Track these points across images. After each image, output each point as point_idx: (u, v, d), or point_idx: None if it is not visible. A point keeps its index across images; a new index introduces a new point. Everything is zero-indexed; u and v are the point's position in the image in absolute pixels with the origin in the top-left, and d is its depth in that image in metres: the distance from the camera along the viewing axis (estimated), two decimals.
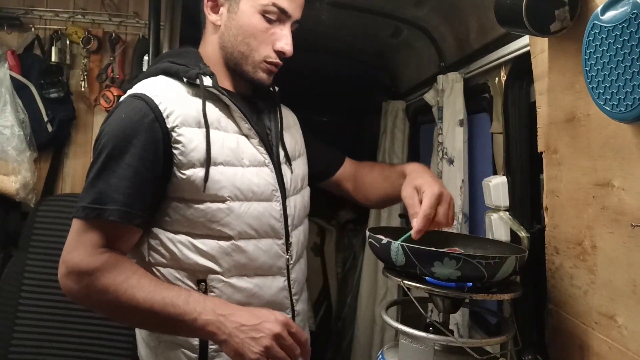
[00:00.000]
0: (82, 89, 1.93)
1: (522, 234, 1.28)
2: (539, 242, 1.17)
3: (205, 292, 1.03)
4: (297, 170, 1.21)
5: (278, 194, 1.10)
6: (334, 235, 3.34)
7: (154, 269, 1.04)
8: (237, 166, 1.05)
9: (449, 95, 1.75)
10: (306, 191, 1.26)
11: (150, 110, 0.98)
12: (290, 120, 1.29)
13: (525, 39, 1.22)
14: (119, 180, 0.96)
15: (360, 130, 4.01)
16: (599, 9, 0.77)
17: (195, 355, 1.04)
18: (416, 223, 1.01)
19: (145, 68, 1.87)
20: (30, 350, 1.70)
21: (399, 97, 2.60)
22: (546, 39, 1.01)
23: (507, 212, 1.37)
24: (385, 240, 0.96)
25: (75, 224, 0.98)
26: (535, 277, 1.22)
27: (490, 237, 1.38)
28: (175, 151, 1.00)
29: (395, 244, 0.94)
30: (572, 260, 0.99)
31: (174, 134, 0.99)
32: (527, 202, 1.36)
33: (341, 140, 2.59)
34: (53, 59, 1.88)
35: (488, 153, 1.56)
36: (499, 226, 1.36)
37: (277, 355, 0.92)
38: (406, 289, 0.95)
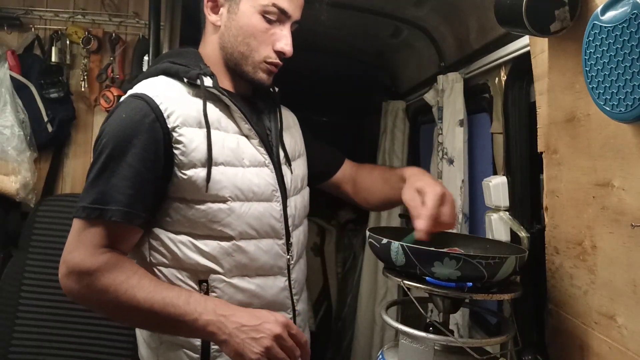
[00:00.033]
0: (82, 89, 1.93)
1: (522, 234, 1.28)
2: (539, 242, 1.17)
3: (207, 292, 1.03)
4: (297, 171, 1.21)
5: (278, 194, 1.11)
6: (334, 235, 3.34)
7: (155, 269, 1.04)
8: (238, 166, 1.05)
9: (449, 95, 1.75)
10: (306, 191, 1.26)
11: (151, 110, 0.98)
12: (290, 120, 1.29)
13: (525, 39, 1.22)
14: (120, 180, 0.96)
15: (360, 130, 4.01)
16: (599, 9, 0.77)
17: (197, 356, 1.04)
18: (421, 223, 1.01)
19: (145, 68, 1.87)
20: (30, 350, 1.70)
21: (399, 97, 2.60)
22: (546, 39, 1.01)
23: (507, 212, 1.37)
24: (385, 240, 0.96)
25: (76, 224, 0.98)
26: (535, 277, 1.22)
27: (490, 237, 1.38)
28: (176, 151, 1.00)
29: (396, 244, 0.94)
30: (572, 260, 0.99)
31: (174, 134, 0.99)
32: (527, 202, 1.36)
33: (341, 140, 2.58)
34: (53, 59, 1.88)
35: (488, 153, 1.56)
36: (499, 226, 1.36)
37: (277, 356, 0.92)
38: (406, 289, 0.95)
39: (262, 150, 1.10)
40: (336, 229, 3.37)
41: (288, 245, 1.12)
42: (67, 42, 1.92)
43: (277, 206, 1.10)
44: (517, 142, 1.38)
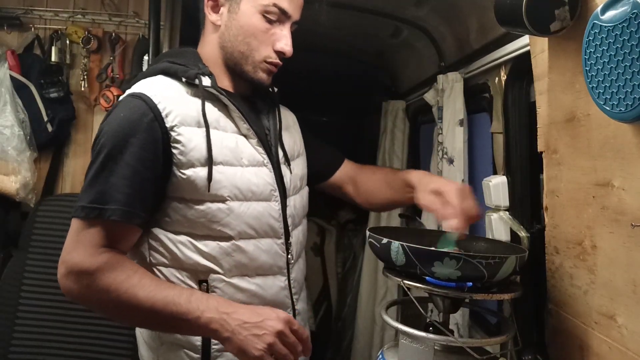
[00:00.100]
0: (82, 89, 1.93)
1: (522, 234, 1.28)
2: (539, 242, 1.17)
3: (207, 292, 1.03)
4: (296, 170, 1.21)
5: (277, 193, 1.11)
6: (334, 235, 3.34)
7: (155, 270, 1.04)
8: (237, 166, 1.05)
9: (449, 95, 1.75)
10: (305, 191, 1.26)
11: (149, 110, 0.99)
12: (289, 120, 1.29)
13: (525, 39, 1.22)
14: (119, 179, 0.96)
15: (360, 130, 4.01)
16: (599, 9, 0.77)
17: (198, 356, 1.04)
18: (456, 223, 1.02)
19: (145, 68, 1.87)
20: (30, 350, 1.70)
21: (399, 97, 2.59)
22: (546, 39, 1.01)
23: (507, 212, 1.37)
24: (385, 240, 0.96)
25: (75, 224, 0.98)
26: (535, 277, 1.22)
27: (490, 237, 1.38)
28: (174, 151, 1.00)
29: (396, 244, 0.94)
30: (572, 260, 0.99)
31: (173, 134, 0.99)
32: (527, 202, 1.36)
33: (341, 140, 2.58)
34: (53, 58, 1.88)
35: (488, 153, 1.56)
36: (499, 226, 1.36)
37: (279, 352, 0.93)
38: (406, 289, 0.95)
39: (261, 149, 1.10)
40: (336, 229, 3.37)
41: (287, 244, 1.12)
42: (67, 41, 1.92)
43: (275, 206, 1.10)
44: (517, 142, 1.38)
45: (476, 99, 1.69)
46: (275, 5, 1.06)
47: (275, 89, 1.22)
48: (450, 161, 1.73)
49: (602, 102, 0.77)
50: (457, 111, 1.71)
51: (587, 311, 0.94)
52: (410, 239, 1.05)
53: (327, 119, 4.05)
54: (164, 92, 1.02)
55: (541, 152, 1.10)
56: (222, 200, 1.02)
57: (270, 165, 1.11)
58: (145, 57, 1.88)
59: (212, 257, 1.03)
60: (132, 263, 1.00)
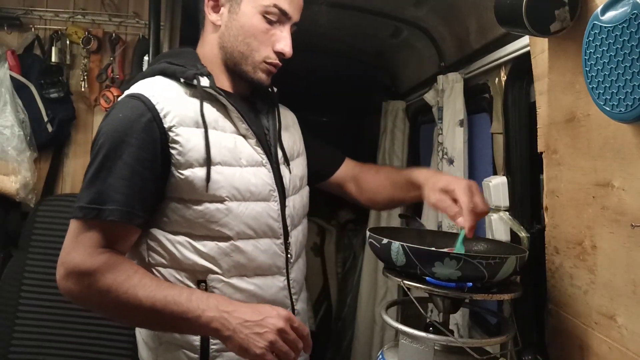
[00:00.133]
0: (82, 89, 1.93)
1: (522, 234, 1.28)
2: (539, 242, 1.17)
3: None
4: (296, 170, 1.21)
5: (276, 194, 1.11)
6: (334, 235, 3.34)
7: (154, 270, 1.04)
8: (235, 166, 1.05)
9: (449, 96, 1.75)
10: (305, 191, 1.26)
11: (148, 110, 0.99)
12: (289, 120, 1.29)
13: (525, 39, 1.22)
14: (117, 179, 0.96)
15: (360, 130, 4.01)
16: (599, 9, 0.77)
17: (197, 356, 1.04)
18: (466, 221, 1.02)
19: (145, 68, 1.87)
20: (30, 350, 1.70)
21: (399, 97, 2.60)
22: (546, 39, 1.01)
23: (507, 212, 1.37)
24: (385, 240, 0.96)
25: (73, 225, 0.98)
26: (535, 277, 1.22)
27: (491, 237, 1.38)
28: (172, 151, 1.00)
29: (396, 244, 0.94)
30: (572, 260, 0.99)
31: (171, 134, 0.99)
32: (527, 202, 1.36)
33: (341, 141, 2.58)
34: (53, 59, 1.88)
35: (488, 153, 1.57)
36: (499, 226, 1.37)
37: (281, 349, 0.93)
38: (406, 289, 0.95)
39: (260, 150, 1.10)
40: (336, 229, 3.37)
41: (286, 244, 1.12)
42: (67, 42, 1.92)
43: (274, 206, 1.10)
44: (517, 142, 1.38)
45: (476, 100, 1.69)
46: (275, 6, 1.06)
47: (275, 89, 1.22)
48: (450, 161, 1.73)
49: (602, 103, 0.77)
50: (457, 111, 1.71)
51: (587, 311, 0.94)
52: (411, 239, 1.05)
53: (327, 119, 4.05)
54: (163, 93, 1.02)
55: (541, 153, 1.10)
56: (221, 200, 1.02)
57: (269, 166, 1.11)
58: (146, 58, 1.88)
59: (211, 257, 1.03)
60: (131, 263, 1.00)
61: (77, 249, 0.96)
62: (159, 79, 1.07)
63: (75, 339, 1.71)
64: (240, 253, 1.05)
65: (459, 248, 1.03)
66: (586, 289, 0.94)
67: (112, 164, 0.96)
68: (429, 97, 1.91)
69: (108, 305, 0.97)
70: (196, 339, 1.04)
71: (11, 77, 1.83)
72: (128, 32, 1.96)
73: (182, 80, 1.06)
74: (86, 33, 1.91)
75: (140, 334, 1.14)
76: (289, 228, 1.13)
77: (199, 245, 1.03)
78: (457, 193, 1.04)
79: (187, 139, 1.00)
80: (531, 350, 1.17)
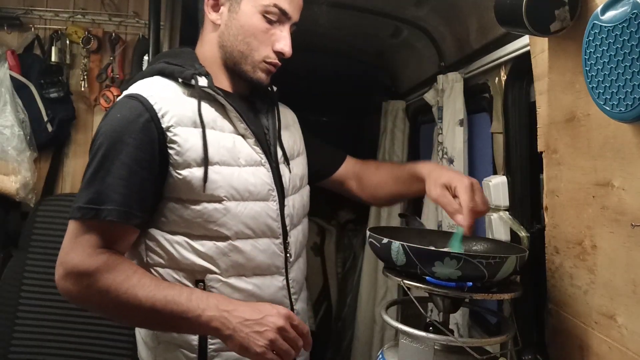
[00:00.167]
0: (82, 89, 1.93)
1: (522, 233, 1.28)
2: (539, 242, 1.17)
3: None
4: (296, 170, 1.21)
5: (275, 193, 1.11)
6: (334, 235, 3.34)
7: (152, 270, 1.04)
8: (234, 166, 1.05)
9: (449, 95, 1.75)
10: (305, 190, 1.26)
11: (146, 110, 0.99)
12: (289, 119, 1.29)
13: (525, 39, 1.22)
14: (115, 179, 0.96)
15: (360, 130, 4.01)
16: (599, 9, 0.77)
17: (195, 355, 1.04)
18: (465, 220, 1.02)
19: (145, 68, 1.87)
20: (30, 350, 1.70)
21: (399, 97, 2.60)
22: (546, 39, 1.01)
23: (507, 212, 1.37)
24: (385, 239, 0.96)
25: (72, 225, 0.98)
26: (535, 277, 1.22)
27: (490, 237, 1.38)
28: (170, 151, 1.00)
29: (396, 244, 0.94)
30: (572, 260, 0.99)
31: (169, 134, 0.99)
32: (527, 202, 1.36)
33: (341, 140, 2.57)
34: (53, 58, 1.88)
35: (488, 153, 1.57)
36: (499, 226, 1.36)
37: (281, 348, 0.93)
38: (406, 289, 0.95)
39: (259, 149, 1.10)
40: (336, 229, 3.37)
41: (285, 244, 1.12)
42: (67, 42, 1.92)
43: (273, 205, 1.10)
44: (517, 142, 1.38)
45: (476, 99, 1.69)
46: (275, 5, 1.06)
47: (275, 88, 1.22)
48: (450, 161, 1.73)
49: (602, 102, 0.77)
50: (457, 111, 1.71)
51: (587, 311, 0.94)
52: (411, 239, 1.05)
53: (327, 119, 4.05)
54: (161, 93, 1.02)
55: (541, 152, 1.10)
56: (219, 200, 1.02)
57: (268, 165, 1.11)
58: (145, 57, 1.88)
59: (209, 257, 1.03)
60: (130, 263, 1.00)
61: (76, 249, 0.96)
62: (157, 79, 1.07)
63: (75, 339, 1.71)
64: (239, 253, 1.05)
65: (456, 247, 1.03)
66: (586, 289, 0.94)
67: (110, 164, 0.96)
68: (429, 96, 1.91)
69: (107, 305, 0.97)
70: (194, 339, 1.04)
71: (11, 77, 1.83)
72: (128, 31, 1.96)
73: (180, 80, 1.06)
74: (86, 33, 1.91)
75: (140, 333, 1.14)
76: (288, 228, 1.13)
77: (197, 245, 1.03)
78: (459, 190, 1.05)
79: (185, 139, 1.00)
80: (531, 350, 1.17)
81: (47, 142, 1.88)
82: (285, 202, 1.13)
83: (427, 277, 0.95)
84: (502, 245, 1.14)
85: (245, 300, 1.05)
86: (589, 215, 0.92)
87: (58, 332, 1.72)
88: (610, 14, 0.74)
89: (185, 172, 1.00)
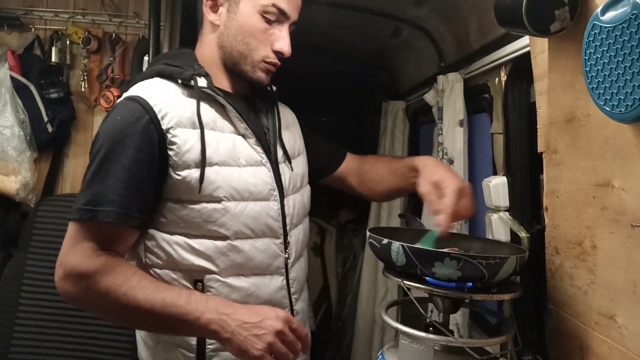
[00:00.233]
0: (82, 89, 1.93)
1: (522, 234, 1.28)
2: (539, 242, 1.17)
3: (202, 292, 1.03)
4: (297, 169, 1.21)
5: (276, 193, 1.11)
6: (334, 235, 3.34)
7: (150, 271, 1.04)
8: (234, 166, 1.05)
9: (449, 96, 1.75)
10: (306, 190, 1.26)
11: (145, 112, 0.99)
12: (289, 118, 1.29)
13: (525, 39, 1.22)
14: (114, 181, 0.96)
15: (360, 130, 4.01)
16: (599, 10, 0.77)
17: (193, 355, 1.04)
18: (443, 221, 1.02)
19: (145, 68, 1.87)
20: (30, 350, 1.70)
21: (399, 97, 2.60)
22: (546, 39, 1.01)
23: (507, 212, 1.37)
24: (385, 240, 0.96)
25: (71, 227, 0.98)
26: (535, 277, 1.22)
27: (490, 237, 1.38)
28: (170, 152, 1.00)
29: (396, 244, 0.94)
30: (572, 261, 0.99)
31: (169, 136, 1.00)
32: (527, 202, 1.36)
33: (341, 141, 2.57)
34: (53, 59, 1.88)
35: (488, 153, 1.57)
36: (499, 226, 1.36)
37: (279, 351, 0.93)
38: (406, 289, 0.95)
39: (259, 149, 1.10)
40: (336, 229, 3.37)
41: (286, 244, 1.12)
42: (67, 42, 1.92)
43: (274, 205, 1.10)
44: (517, 142, 1.38)
45: (476, 100, 1.69)
46: (274, 5, 1.06)
47: (274, 88, 1.22)
48: (451, 162, 1.73)
49: (602, 103, 0.77)
50: (457, 112, 1.71)
51: (587, 311, 0.94)
52: (411, 239, 1.05)
53: (327, 119, 4.05)
54: (160, 95, 1.02)
55: (541, 153, 1.10)
56: (218, 200, 1.02)
57: (269, 165, 1.11)
58: (146, 58, 1.88)
59: (207, 256, 1.03)
60: (130, 265, 1.00)
61: (75, 250, 0.96)
62: (156, 80, 1.07)
63: (75, 339, 1.71)
64: (238, 252, 1.05)
65: (427, 245, 1.02)
66: (586, 289, 0.94)
67: (110, 166, 0.96)
68: (429, 97, 1.91)
69: (106, 307, 0.97)
70: (193, 339, 1.04)
71: (11, 77, 1.83)
72: (128, 32, 1.96)
73: (179, 81, 1.06)
74: (86, 33, 1.91)
75: (140, 333, 1.14)
76: (288, 227, 1.13)
77: (195, 244, 1.02)
78: (447, 192, 1.04)
79: (184, 140, 1.00)
80: (531, 350, 1.17)
81: (47, 142, 1.88)
82: (285, 202, 1.13)
83: (427, 278, 0.95)
84: (502, 246, 1.14)
85: (244, 300, 1.05)
86: (589, 215, 0.92)
87: (58, 332, 1.71)
88: (610, 14, 0.74)
89: (184, 173, 1.00)
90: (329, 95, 3.55)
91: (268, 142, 1.15)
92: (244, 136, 1.09)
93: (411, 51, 2.23)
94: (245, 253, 1.05)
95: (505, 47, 1.37)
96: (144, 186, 0.98)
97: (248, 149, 1.09)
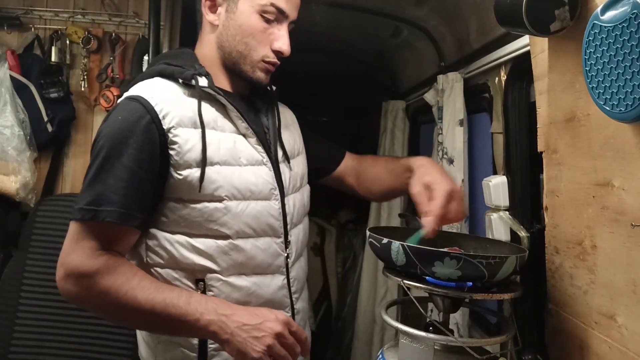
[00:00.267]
0: (82, 89, 1.93)
1: (522, 233, 1.28)
2: (539, 242, 1.17)
3: (203, 291, 1.03)
4: (296, 169, 1.21)
5: (276, 192, 1.11)
6: (334, 235, 3.34)
7: (152, 270, 1.04)
8: (235, 165, 1.06)
9: (449, 95, 1.75)
10: (305, 189, 1.26)
11: (147, 112, 0.99)
12: (288, 118, 1.29)
13: (525, 39, 1.22)
14: (116, 181, 0.96)
15: (360, 130, 4.01)
16: (599, 9, 0.77)
17: (195, 355, 1.05)
18: (429, 222, 1.01)
19: (145, 68, 1.87)
20: (30, 350, 1.70)
21: (399, 97, 2.59)
22: (546, 39, 1.01)
23: (507, 212, 1.37)
24: (385, 240, 0.96)
25: (73, 226, 0.98)
26: (535, 277, 1.22)
27: (490, 237, 1.38)
28: (171, 152, 1.00)
29: (396, 244, 0.94)
30: (572, 260, 0.99)
31: (170, 135, 1.00)
32: (527, 202, 1.36)
33: (341, 140, 2.57)
34: (53, 58, 1.88)
35: (488, 153, 1.57)
36: (499, 226, 1.36)
37: (278, 354, 0.93)
38: (406, 289, 0.95)
39: (260, 148, 1.10)
40: (336, 229, 3.37)
41: (286, 243, 1.12)
42: (67, 42, 1.92)
43: (275, 204, 1.10)
44: (517, 142, 1.38)
45: (476, 99, 1.69)
46: (272, 4, 1.06)
47: (274, 88, 1.22)
48: (450, 161, 1.73)
49: (602, 102, 0.77)
50: (457, 111, 1.71)
51: (587, 311, 0.94)
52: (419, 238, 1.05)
53: (327, 119, 4.05)
54: (161, 94, 1.02)
55: (541, 152, 1.10)
56: (219, 199, 1.02)
57: (269, 164, 1.11)
58: (145, 57, 1.88)
59: (209, 255, 1.03)
60: (130, 265, 1.00)
61: (76, 250, 0.96)
62: (157, 80, 1.07)
63: (75, 339, 1.71)
64: (239, 252, 1.05)
65: (411, 241, 1.01)
66: (586, 289, 0.94)
67: (111, 166, 0.96)
68: (429, 96, 1.91)
69: (107, 307, 0.97)
70: (194, 339, 1.04)
71: (11, 77, 1.83)
72: (128, 31, 1.96)
73: (180, 80, 1.06)
74: (86, 33, 1.91)
75: (141, 332, 1.14)
76: (288, 227, 1.13)
77: (197, 243, 1.03)
78: (436, 194, 1.04)
79: (185, 140, 1.00)
80: (531, 350, 1.17)
81: (47, 142, 1.88)
82: (286, 201, 1.13)
83: (427, 277, 0.95)
84: (502, 246, 1.14)
85: (245, 299, 1.05)
86: (589, 215, 0.92)
87: (58, 332, 1.71)
88: (610, 14, 0.74)
89: (185, 173, 1.00)
90: (329, 95, 3.55)
91: (268, 142, 1.15)
92: (244, 136, 1.09)
93: (411, 51, 2.23)
94: (246, 252, 1.06)
95: (505, 46, 1.37)
96: (145, 186, 0.98)
97: (249, 148, 1.09)
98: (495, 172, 1.49)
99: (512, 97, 1.40)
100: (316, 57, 2.59)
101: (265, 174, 1.09)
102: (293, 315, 1.15)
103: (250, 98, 1.18)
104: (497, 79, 1.48)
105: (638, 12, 0.69)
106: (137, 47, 1.93)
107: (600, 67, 0.77)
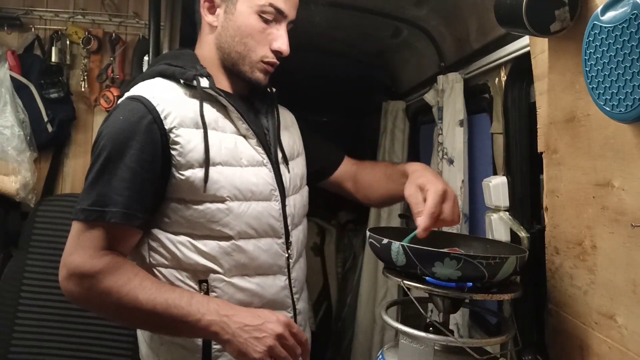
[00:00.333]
0: (82, 89, 1.93)
1: (522, 234, 1.28)
2: (539, 242, 1.17)
3: (207, 292, 1.03)
4: (296, 170, 1.21)
5: (277, 193, 1.11)
6: (334, 235, 3.34)
7: (155, 270, 1.04)
8: (236, 166, 1.06)
9: (449, 96, 1.75)
10: (305, 190, 1.26)
11: (148, 112, 0.99)
12: (288, 120, 1.29)
13: (525, 39, 1.22)
14: (118, 182, 0.96)
15: (360, 130, 4.01)
16: (599, 10, 0.77)
17: (199, 355, 1.05)
18: (421, 221, 1.01)
19: (145, 68, 1.87)
20: (30, 350, 1.70)
21: (399, 97, 2.60)
22: (546, 39, 1.01)
23: (507, 212, 1.37)
24: (385, 240, 0.96)
25: (75, 227, 0.98)
26: (535, 277, 1.22)
27: (490, 237, 1.38)
28: (173, 152, 1.00)
29: (396, 244, 0.94)
30: (572, 260, 0.99)
31: (171, 135, 1.00)
32: (527, 202, 1.36)
33: (341, 141, 2.58)
34: (53, 59, 1.88)
35: (488, 153, 1.57)
36: (499, 226, 1.37)
37: (279, 355, 0.93)
38: (406, 289, 0.95)
39: (260, 149, 1.10)
40: (336, 229, 3.37)
41: (288, 244, 1.13)
42: (67, 42, 1.92)
43: (276, 205, 1.10)
44: (517, 142, 1.38)
45: (476, 100, 1.69)
46: (271, 5, 1.06)
47: (274, 89, 1.23)
48: (451, 162, 1.73)
49: (602, 103, 0.77)
50: (457, 111, 1.71)
51: (587, 311, 0.94)
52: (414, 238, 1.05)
53: (327, 119, 4.05)
54: (163, 94, 1.03)
55: (541, 153, 1.10)
56: (221, 200, 1.03)
57: (269, 165, 1.11)
58: (146, 58, 1.88)
59: (212, 256, 1.03)
60: (132, 265, 1.00)
61: (79, 250, 0.96)
62: (158, 80, 1.07)
63: (75, 339, 1.71)
64: (242, 252, 1.05)
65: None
66: (586, 289, 0.94)
67: (114, 166, 0.96)
68: (429, 97, 1.91)
69: (109, 307, 0.97)
70: (198, 339, 1.04)
71: (11, 77, 1.83)
72: (128, 32, 1.96)
73: (181, 81, 1.06)
74: (86, 33, 1.91)
75: (142, 333, 1.14)
76: (289, 227, 1.13)
77: (200, 244, 1.03)
78: (429, 194, 1.04)
79: (187, 140, 1.00)
80: (531, 350, 1.17)
81: (47, 142, 1.88)
82: (286, 202, 1.14)
83: (427, 278, 0.95)
84: (502, 246, 1.14)
85: (249, 299, 1.06)
86: (589, 215, 0.92)
87: (58, 332, 1.71)
88: (610, 14, 0.74)
89: (187, 173, 1.00)
90: (329, 95, 3.55)
91: (268, 143, 1.15)
92: (245, 137, 1.09)
93: (411, 51, 2.23)
94: (249, 253, 1.06)
95: (505, 47, 1.37)
96: (147, 186, 0.98)
97: (249, 149, 1.09)
98: (495, 173, 1.49)
99: (512, 97, 1.40)
100: (316, 58, 2.59)
101: (265, 175, 1.10)
102: (295, 316, 1.15)
103: (249, 99, 1.18)
104: (497, 79, 1.48)
105: (638, 13, 0.69)
106: (137, 48, 1.93)
107: (600, 68, 0.77)
